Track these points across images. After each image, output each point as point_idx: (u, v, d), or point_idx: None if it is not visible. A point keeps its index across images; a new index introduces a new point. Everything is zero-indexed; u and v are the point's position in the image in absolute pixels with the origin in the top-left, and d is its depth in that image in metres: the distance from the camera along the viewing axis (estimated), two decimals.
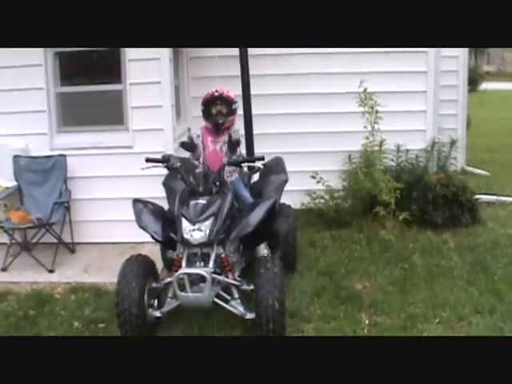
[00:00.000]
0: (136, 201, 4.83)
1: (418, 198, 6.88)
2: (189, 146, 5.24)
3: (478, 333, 4.54)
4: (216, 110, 5.28)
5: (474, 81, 29.67)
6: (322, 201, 7.26)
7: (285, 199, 5.80)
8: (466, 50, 9.94)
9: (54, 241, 6.36)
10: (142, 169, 4.90)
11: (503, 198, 8.12)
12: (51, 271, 6.05)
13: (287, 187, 5.70)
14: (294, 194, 6.62)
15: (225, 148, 5.30)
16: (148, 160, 4.90)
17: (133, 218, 5.42)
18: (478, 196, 7.40)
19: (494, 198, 8.09)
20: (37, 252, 6.20)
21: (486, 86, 29.45)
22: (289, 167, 5.90)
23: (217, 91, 5.27)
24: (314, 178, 7.14)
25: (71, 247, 6.60)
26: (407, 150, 7.50)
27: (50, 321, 5.04)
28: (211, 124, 5.33)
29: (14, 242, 6.30)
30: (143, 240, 5.44)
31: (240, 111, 6.25)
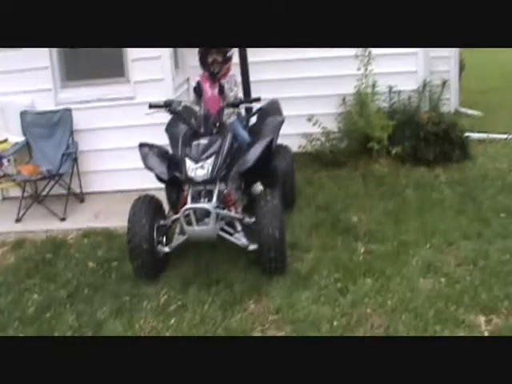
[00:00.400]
0: (142, 145, 5.12)
1: (410, 136, 7.14)
2: (198, 90, 5.51)
3: (465, 256, 4.88)
4: (211, 58, 5.49)
5: None
6: (319, 143, 7.52)
7: (282, 142, 6.08)
8: None
9: (64, 192, 6.65)
10: (147, 114, 5.16)
11: (493, 135, 8.35)
12: (63, 219, 6.35)
13: (285, 131, 5.93)
14: (292, 138, 6.82)
15: (226, 91, 5.55)
16: (151, 105, 5.16)
17: (137, 166, 5.77)
18: (468, 134, 7.65)
19: (484, 135, 8.33)
20: (48, 203, 6.51)
21: None
22: (285, 112, 6.12)
23: None
24: (309, 120, 7.37)
25: (80, 197, 6.90)
26: (399, 92, 7.68)
27: (66, 262, 5.38)
28: (208, 72, 5.58)
29: (25, 194, 6.62)
30: (149, 187, 5.67)
31: (237, 59, 6.51)
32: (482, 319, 4.01)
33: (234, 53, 5.94)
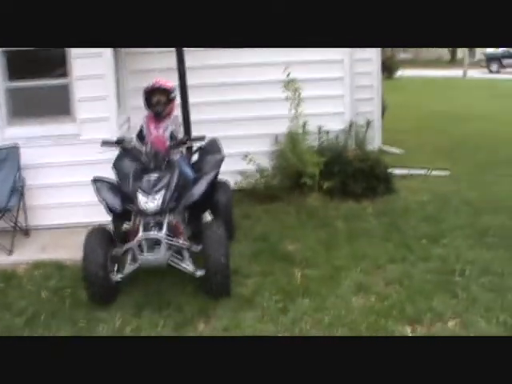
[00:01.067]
0: (96, 179, 5.47)
1: (339, 172, 7.74)
2: (141, 135, 5.96)
3: (391, 277, 5.43)
4: (156, 99, 5.91)
5: (389, 68, 31.16)
6: (253, 180, 8.03)
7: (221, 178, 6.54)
8: None
9: (9, 226, 6.85)
10: (99, 152, 5.53)
11: (413, 171, 9.13)
12: (10, 252, 6.54)
13: (222, 168, 6.33)
14: (228, 175, 7.14)
15: (167, 133, 5.98)
16: (104, 142, 5.53)
17: (82, 200, 6.14)
18: (391, 169, 8.34)
19: (405, 171, 9.08)
20: None
21: (401, 72, 30.89)
22: (223, 150, 6.55)
23: (156, 83, 5.91)
24: (245, 158, 7.87)
25: (26, 231, 7.10)
26: (327, 132, 8.32)
27: (19, 292, 5.58)
28: (153, 112, 6.00)
29: None
30: (93, 220, 5.96)
31: (178, 100, 6.96)
32: (408, 329, 4.54)
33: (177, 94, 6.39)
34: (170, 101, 6.01)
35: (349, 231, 6.64)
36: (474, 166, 9.70)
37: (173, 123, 6.06)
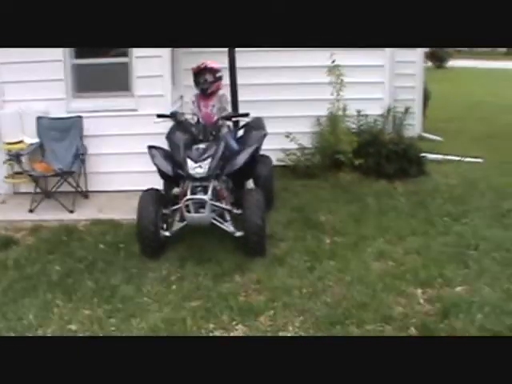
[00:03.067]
0: (150, 147, 6.17)
1: (373, 153, 8.29)
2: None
3: (411, 247, 5.99)
4: (203, 79, 6.61)
5: (441, 58, 31.19)
6: (295, 157, 8.63)
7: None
8: None
9: (70, 189, 7.60)
10: (155, 122, 6.23)
11: (449, 157, 9.56)
12: (72, 211, 7.30)
13: (266, 146, 7.00)
14: (272, 152, 7.80)
15: (214, 109, 6.63)
16: (159, 116, 6.23)
17: (136, 169, 6.86)
18: (426, 154, 8.83)
19: (440, 156, 9.54)
20: (56, 199, 7.42)
21: (453, 63, 30.85)
22: (267, 129, 7.13)
23: (202, 63, 6.59)
24: (287, 137, 8.47)
25: (85, 194, 7.88)
26: (366, 115, 8.84)
27: (80, 243, 6.34)
28: (200, 90, 6.67)
29: (37, 189, 7.60)
30: (146, 187, 6.40)
31: (227, 81, 7.59)
32: (419, 291, 5.11)
33: (224, 73, 7.01)
34: (217, 79, 6.66)
35: (378, 207, 7.20)
36: (509, 154, 10.04)
37: (219, 101, 6.72)
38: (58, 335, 4.58)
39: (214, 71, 6.62)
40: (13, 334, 4.58)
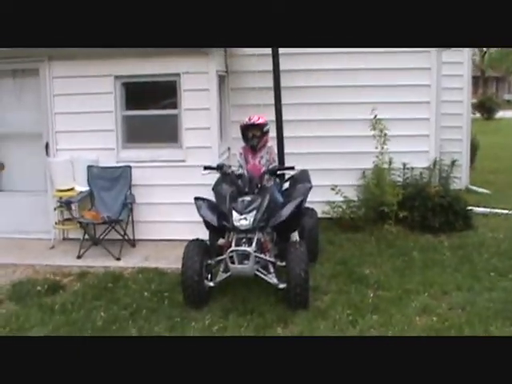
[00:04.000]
0: (197, 198, 6.29)
1: (419, 207, 8.26)
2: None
3: (456, 302, 5.91)
4: (251, 134, 6.79)
5: (490, 109, 31.07)
6: (340, 209, 8.65)
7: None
8: (470, 81, 11.31)
9: (117, 237, 7.77)
10: (203, 174, 6.41)
11: (496, 210, 9.46)
12: (118, 259, 7.46)
13: (312, 199, 7.04)
14: (317, 205, 7.89)
15: (262, 161, 6.76)
16: (206, 168, 6.38)
17: (182, 219, 7.01)
18: (473, 207, 8.78)
19: (487, 210, 9.44)
20: (104, 245, 7.64)
21: (503, 114, 30.64)
22: (313, 182, 7.14)
23: (250, 119, 6.78)
24: (333, 189, 8.51)
25: (132, 242, 8.04)
26: (412, 168, 8.85)
27: (125, 291, 6.44)
28: (249, 145, 6.83)
29: (86, 236, 7.78)
30: (192, 237, 6.53)
31: (274, 134, 7.73)
32: None
33: (271, 126, 7.14)
34: (264, 134, 6.83)
35: (423, 261, 7.14)
36: None
37: (268, 152, 6.85)
38: None
39: (260, 126, 6.78)
40: None
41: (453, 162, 9.22)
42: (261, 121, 6.77)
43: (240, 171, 6.69)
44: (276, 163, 6.96)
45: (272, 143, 7.24)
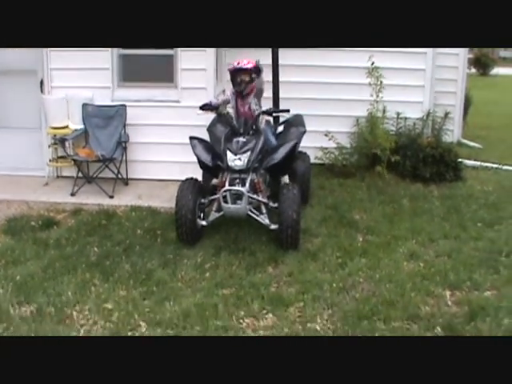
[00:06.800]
0: (192, 137, 6.32)
1: (411, 156, 8.34)
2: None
3: (442, 250, 6.04)
4: (240, 78, 6.52)
5: (485, 65, 30.95)
6: (333, 156, 8.71)
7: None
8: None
9: (111, 175, 7.84)
10: (198, 114, 6.40)
11: (486, 164, 9.56)
12: (111, 197, 7.52)
13: (305, 143, 7.13)
14: (310, 150, 7.95)
15: (253, 106, 6.62)
16: (202, 107, 6.38)
17: (176, 159, 7.04)
18: (463, 160, 8.86)
19: (478, 163, 9.54)
20: (97, 184, 7.71)
21: (497, 70, 30.55)
22: (307, 127, 7.23)
23: (238, 63, 6.48)
24: (326, 135, 8.55)
25: (125, 181, 8.10)
26: (405, 118, 8.89)
27: (119, 227, 6.53)
28: (236, 91, 6.64)
29: (79, 174, 7.83)
30: (185, 178, 6.54)
31: (270, 77, 7.71)
32: (447, 293, 5.17)
33: (267, 70, 7.06)
34: (253, 80, 6.54)
35: (412, 209, 7.24)
36: None
37: (255, 97, 6.64)
38: (94, 312, 4.79)
39: (249, 71, 6.49)
40: (52, 309, 4.78)
41: (446, 114, 9.27)
42: (249, 65, 6.47)
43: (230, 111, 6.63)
44: (263, 90, 6.81)
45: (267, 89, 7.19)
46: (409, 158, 8.35)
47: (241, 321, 4.67)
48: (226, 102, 6.68)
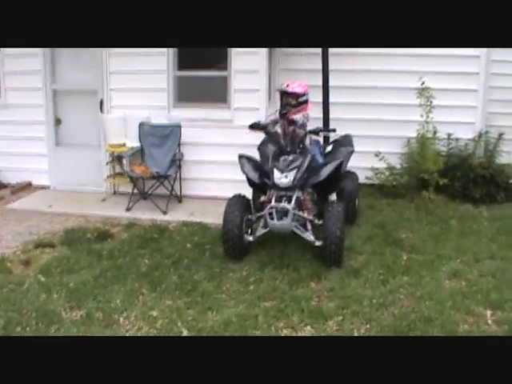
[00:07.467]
0: (241, 156, 6.53)
1: (461, 177, 8.34)
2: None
3: (487, 270, 6.02)
4: (286, 101, 6.75)
5: None
6: (383, 176, 8.79)
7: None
8: None
9: (165, 192, 8.11)
10: (247, 133, 6.61)
11: None
12: (165, 213, 7.80)
13: (356, 163, 7.29)
14: (361, 171, 8.09)
15: (297, 129, 6.63)
16: (251, 126, 6.58)
17: (228, 177, 7.31)
18: None
19: None
20: (151, 200, 8.01)
21: None
22: (357, 147, 7.36)
23: (287, 86, 6.73)
24: (376, 156, 8.64)
25: (179, 198, 8.38)
26: (457, 139, 8.88)
27: (169, 241, 6.81)
28: (280, 112, 6.80)
29: (135, 190, 8.14)
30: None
31: (320, 99, 7.88)
32: (488, 312, 5.18)
33: (318, 91, 7.23)
34: (299, 104, 6.68)
35: (460, 229, 7.25)
36: None
37: (303, 118, 6.73)
38: (140, 319, 5.04)
39: (296, 95, 6.66)
40: (101, 314, 5.07)
41: (500, 135, 9.20)
42: (297, 89, 6.65)
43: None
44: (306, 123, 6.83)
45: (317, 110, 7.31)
46: (458, 179, 8.34)
47: (279, 331, 4.82)
48: (275, 122, 6.83)
